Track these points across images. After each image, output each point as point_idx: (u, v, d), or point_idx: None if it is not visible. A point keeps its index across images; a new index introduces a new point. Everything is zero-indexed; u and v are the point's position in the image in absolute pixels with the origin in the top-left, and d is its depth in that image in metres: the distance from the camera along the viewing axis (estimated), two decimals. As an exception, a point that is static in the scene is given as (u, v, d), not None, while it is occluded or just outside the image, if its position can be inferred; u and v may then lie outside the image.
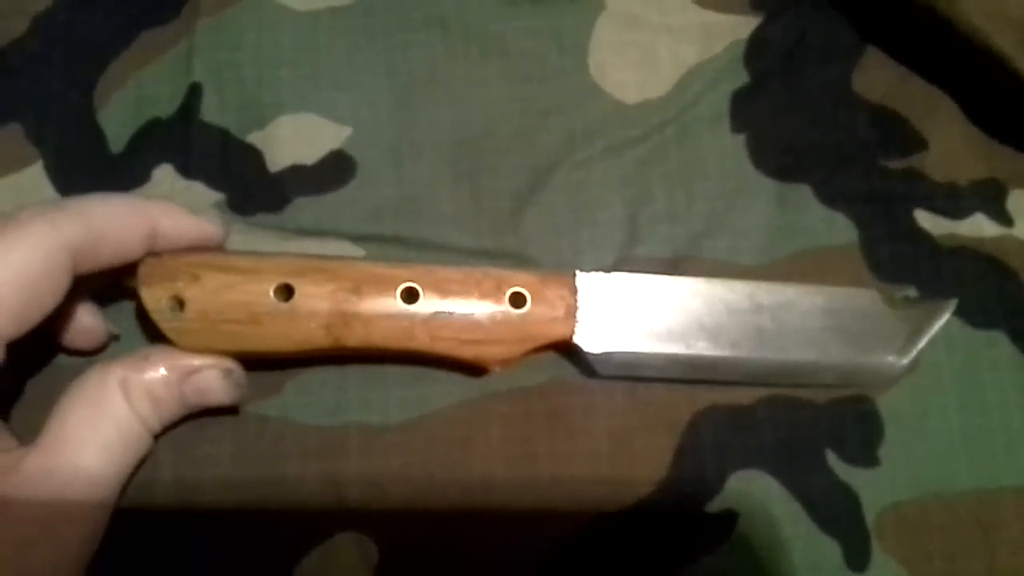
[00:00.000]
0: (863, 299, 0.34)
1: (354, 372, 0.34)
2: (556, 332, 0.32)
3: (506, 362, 0.32)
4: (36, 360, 0.33)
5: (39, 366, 0.33)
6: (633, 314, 0.33)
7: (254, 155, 0.36)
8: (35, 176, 0.35)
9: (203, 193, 0.35)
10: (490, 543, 0.32)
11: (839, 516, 0.33)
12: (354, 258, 0.31)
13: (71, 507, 0.27)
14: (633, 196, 0.36)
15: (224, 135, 0.36)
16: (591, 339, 0.32)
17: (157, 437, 0.30)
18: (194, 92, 0.36)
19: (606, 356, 0.32)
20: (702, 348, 0.33)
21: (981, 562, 0.32)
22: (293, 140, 0.36)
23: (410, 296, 0.30)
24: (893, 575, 0.32)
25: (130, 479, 0.30)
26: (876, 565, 0.32)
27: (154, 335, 0.30)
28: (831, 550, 0.32)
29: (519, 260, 0.35)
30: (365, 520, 0.32)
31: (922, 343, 0.33)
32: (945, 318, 0.34)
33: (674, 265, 0.35)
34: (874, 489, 0.33)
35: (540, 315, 0.31)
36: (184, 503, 0.31)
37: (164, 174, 0.35)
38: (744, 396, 0.34)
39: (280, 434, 0.33)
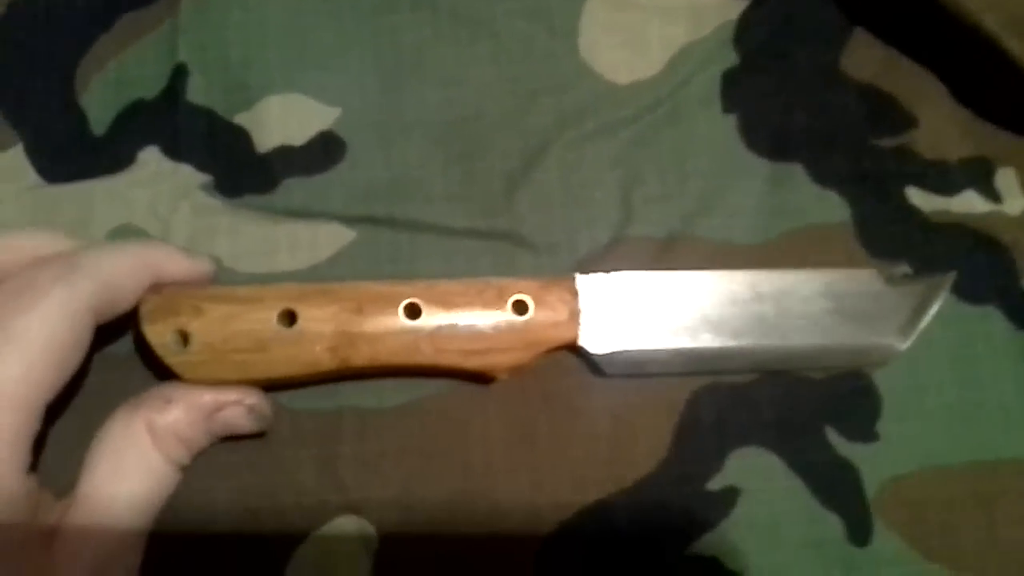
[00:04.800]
0: (862, 279, 0.34)
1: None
2: (561, 336, 0.31)
3: (514, 369, 0.31)
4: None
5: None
6: (635, 312, 0.32)
7: (242, 136, 0.35)
8: (15, 158, 0.35)
9: (191, 175, 0.35)
10: (490, 526, 0.32)
11: (840, 491, 0.33)
12: (354, 282, 0.31)
13: (112, 555, 0.28)
14: (626, 176, 0.36)
15: (211, 116, 0.35)
16: (596, 340, 0.32)
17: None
18: (179, 73, 0.35)
19: (612, 356, 0.32)
20: (706, 340, 0.32)
21: (981, 533, 0.32)
22: (281, 121, 0.36)
23: (413, 312, 0.30)
24: (895, 549, 0.32)
25: None
26: (878, 539, 0.32)
27: (158, 371, 0.30)
28: (833, 525, 0.32)
29: (513, 240, 0.35)
30: (363, 504, 0.32)
31: (925, 320, 0.33)
32: (945, 292, 0.34)
33: (669, 244, 0.35)
34: (874, 464, 0.33)
35: (544, 320, 0.31)
36: (179, 489, 0.30)
37: (150, 156, 0.35)
38: (742, 375, 0.34)
39: (275, 419, 0.32)
